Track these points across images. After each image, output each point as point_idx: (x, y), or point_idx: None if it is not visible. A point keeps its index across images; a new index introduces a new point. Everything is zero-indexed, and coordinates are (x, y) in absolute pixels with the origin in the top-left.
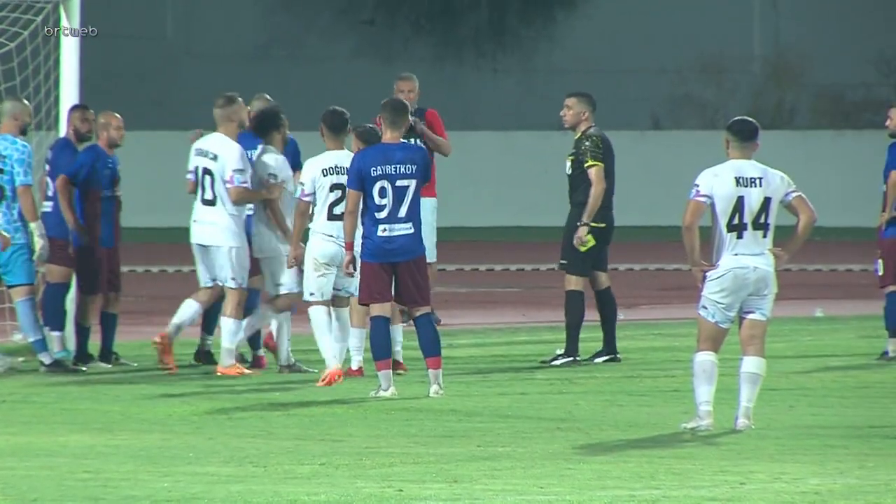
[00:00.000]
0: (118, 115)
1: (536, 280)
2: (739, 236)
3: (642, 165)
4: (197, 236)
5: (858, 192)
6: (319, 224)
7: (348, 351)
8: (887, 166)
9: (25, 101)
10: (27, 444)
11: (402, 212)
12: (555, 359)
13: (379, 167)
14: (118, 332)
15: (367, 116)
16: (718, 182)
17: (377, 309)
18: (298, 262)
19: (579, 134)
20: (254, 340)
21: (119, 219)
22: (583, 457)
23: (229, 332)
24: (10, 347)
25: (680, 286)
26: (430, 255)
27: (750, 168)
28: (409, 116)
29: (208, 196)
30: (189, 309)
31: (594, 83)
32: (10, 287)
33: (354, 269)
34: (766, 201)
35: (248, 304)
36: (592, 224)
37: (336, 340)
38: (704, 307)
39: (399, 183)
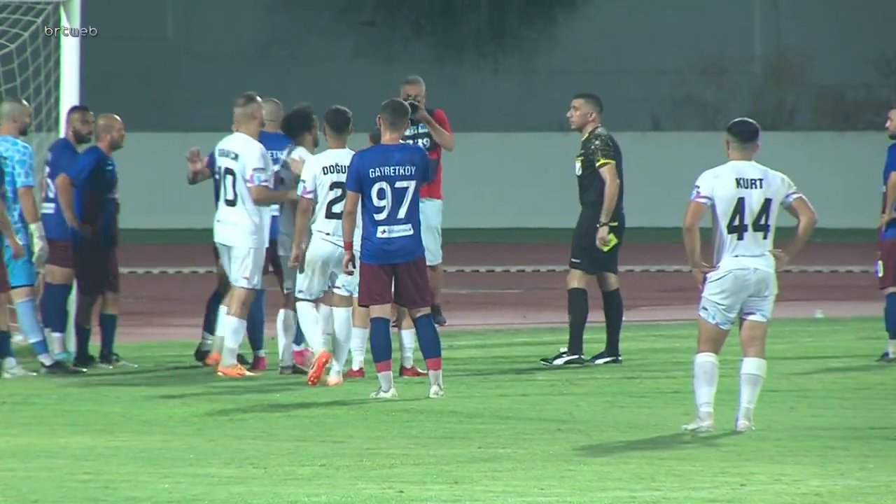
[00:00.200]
0: (118, 118)
1: (537, 281)
2: (740, 238)
3: (643, 166)
4: (220, 236)
5: (859, 193)
6: (317, 222)
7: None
8: (887, 167)
9: (25, 102)
10: (28, 446)
11: (402, 213)
12: (557, 357)
13: (377, 168)
14: (118, 334)
15: (368, 117)
16: (719, 183)
17: (377, 310)
18: (298, 262)
19: (587, 135)
20: (256, 341)
21: (117, 220)
22: (583, 458)
23: (232, 332)
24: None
25: (680, 287)
26: (437, 256)
27: (750, 169)
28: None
29: (230, 196)
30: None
31: (594, 84)
32: (10, 288)
33: (354, 268)
34: (767, 203)
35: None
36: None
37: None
38: (705, 308)
39: (398, 184)
